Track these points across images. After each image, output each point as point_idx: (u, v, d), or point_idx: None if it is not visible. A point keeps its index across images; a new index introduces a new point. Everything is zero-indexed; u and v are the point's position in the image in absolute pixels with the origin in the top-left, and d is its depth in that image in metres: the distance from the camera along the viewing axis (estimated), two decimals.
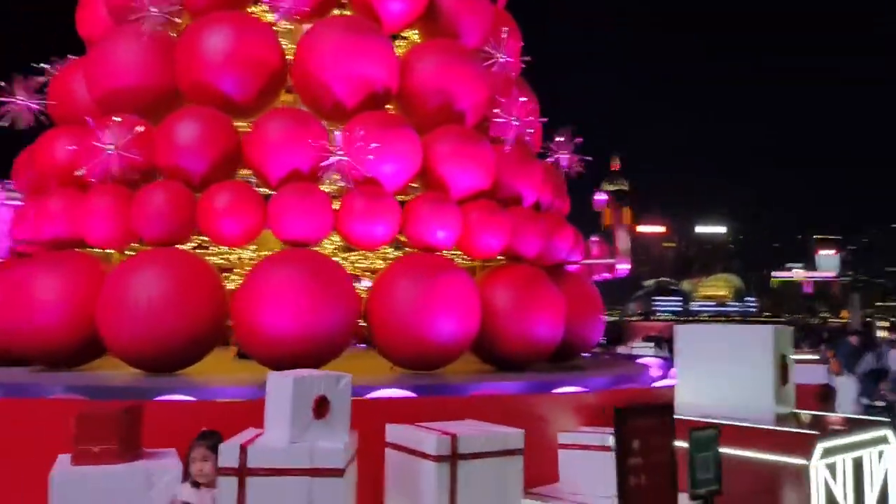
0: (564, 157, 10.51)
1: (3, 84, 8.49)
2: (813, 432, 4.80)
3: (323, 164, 7.29)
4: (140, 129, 7.47)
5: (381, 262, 9.02)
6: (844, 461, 4.92)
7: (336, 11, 9.06)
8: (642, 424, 3.88)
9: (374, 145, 7.43)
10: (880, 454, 5.31)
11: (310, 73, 8.11)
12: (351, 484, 4.13)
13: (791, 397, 5.59)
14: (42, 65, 9.44)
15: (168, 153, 7.58)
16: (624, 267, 10.42)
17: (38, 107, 8.69)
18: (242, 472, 3.80)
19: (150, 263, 7.13)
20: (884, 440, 5.42)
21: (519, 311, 8.12)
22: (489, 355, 8.46)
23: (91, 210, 7.53)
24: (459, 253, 8.62)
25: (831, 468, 4.80)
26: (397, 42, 9.92)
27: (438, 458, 4.38)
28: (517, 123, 8.69)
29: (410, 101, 8.75)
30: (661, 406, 4.05)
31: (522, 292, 8.25)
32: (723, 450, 5.13)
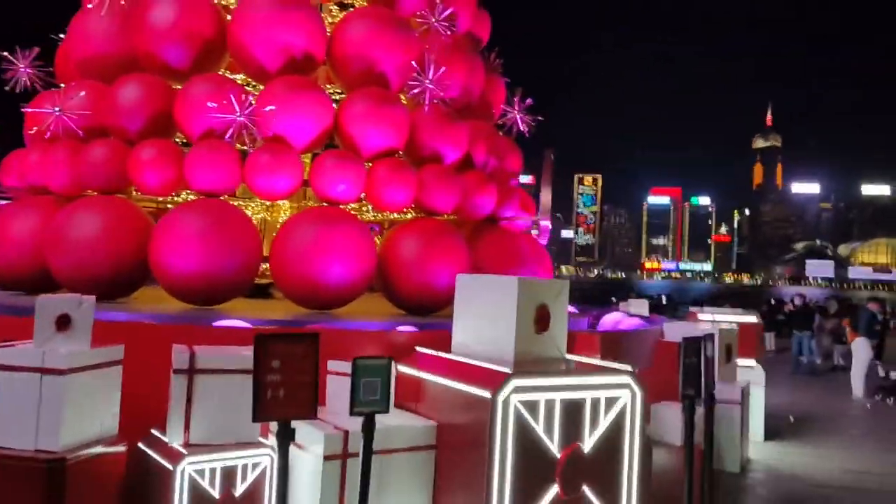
0: (516, 118, 11.02)
1: (7, 54, 10.10)
2: (506, 371, 5.34)
3: (225, 124, 8.29)
4: (81, 93, 8.82)
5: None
6: (551, 401, 5.40)
7: None
8: (283, 348, 4.65)
9: (270, 108, 8.36)
10: (611, 399, 5.71)
11: (237, 40, 9.10)
12: (95, 386, 5.22)
13: (555, 343, 6.04)
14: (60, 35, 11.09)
15: (111, 114, 8.89)
16: (545, 224, 10.75)
17: (36, 74, 10.24)
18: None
19: (81, 208, 8.52)
20: (624, 386, 5.80)
21: (417, 260, 8.84)
22: (396, 300, 9.27)
23: (50, 162, 9.02)
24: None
25: (529, 405, 5.32)
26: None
27: (178, 371, 5.41)
28: (432, 87, 9.29)
29: (336, 65, 9.59)
30: (309, 335, 4.79)
31: (421, 243, 8.96)
32: (441, 380, 5.82)
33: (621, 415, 5.74)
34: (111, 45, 9.47)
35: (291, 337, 4.74)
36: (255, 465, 5.45)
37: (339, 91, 10.35)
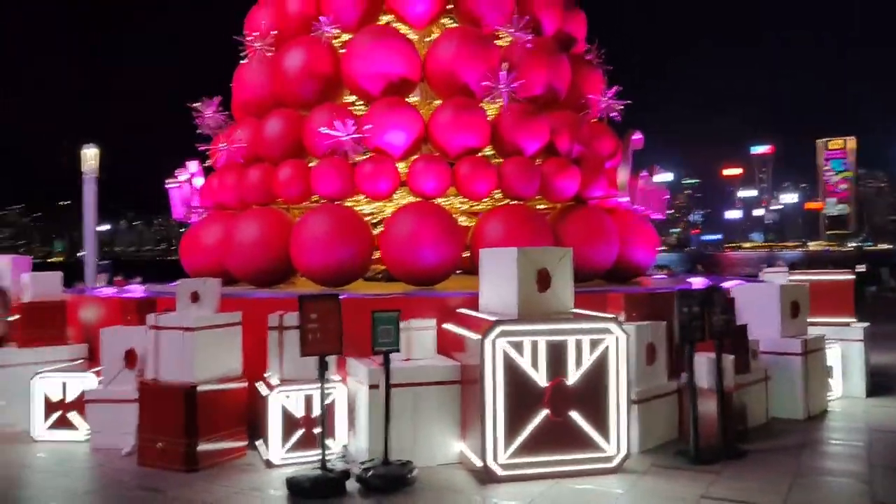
0: (601, 105, 12.17)
1: (195, 105, 13.19)
2: (495, 318, 6.80)
3: (337, 144, 10.50)
4: (239, 131, 11.56)
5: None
6: (535, 342, 6.76)
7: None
8: (317, 305, 6.54)
9: (367, 127, 10.44)
10: (594, 341, 6.90)
11: (347, 73, 11.30)
12: (218, 339, 7.54)
13: (559, 300, 7.32)
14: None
15: (261, 144, 11.51)
16: (624, 200, 11.54)
17: (219, 118, 13.22)
18: (159, 328, 7.53)
19: (242, 219, 11.20)
20: (605, 331, 6.96)
21: (499, 241, 10.36)
22: None
23: (224, 185, 11.88)
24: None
25: (516, 346, 6.74)
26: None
27: (272, 328, 7.64)
28: (506, 90, 10.81)
29: (430, 81, 11.46)
30: (333, 295, 6.62)
31: (502, 226, 10.53)
32: (462, 331, 7.41)
33: (605, 354, 6.98)
34: (261, 88, 12.15)
35: (323, 297, 6.70)
36: (328, 394, 7.47)
37: None
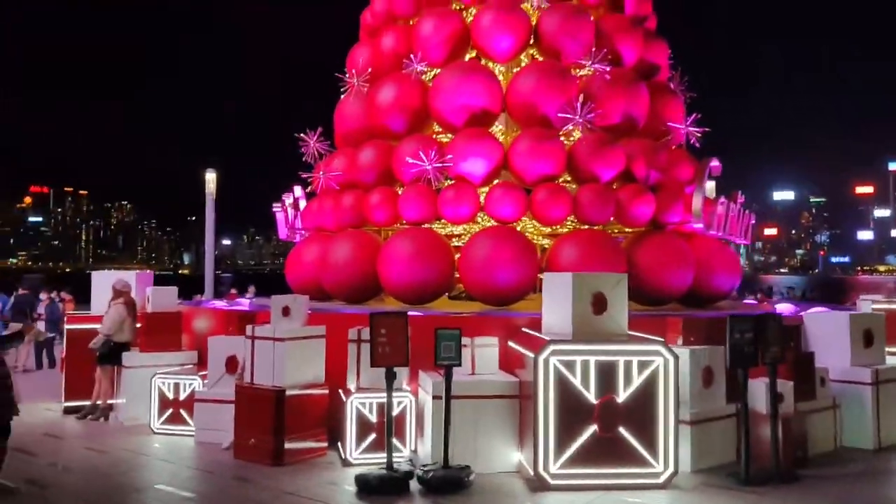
0: (680, 133, 12.47)
1: (301, 135, 14.42)
2: (549, 338, 7.33)
3: (421, 173, 11.35)
4: (335, 161, 12.64)
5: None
6: (586, 362, 7.24)
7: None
8: (386, 321, 7.30)
9: (449, 156, 11.23)
10: (643, 363, 7.29)
11: (433, 107, 12.15)
12: (304, 350, 8.45)
13: (614, 322, 7.75)
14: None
15: (355, 171, 12.54)
16: (698, 226, 11.63)
17: (321, 146, 14.40)
18: (253, 338, 8.55)
19: (336, 240, 12.22)
20: (654, 353, 7.33)
21: (571, 264, 10.89)
22: None
23: (322, 209, 12.99)
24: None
25: (568, 364, 7.24)
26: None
27: (351, 341, 8.48)
28: (582, 121, 11.34)
29: (511, 112, 12.14)
30: (401, 313, 7.35)
31: (575, 250, 11.02)
32: (521, 349, 7.99)
33: (654, 375, 7.39)
34: (357, 120, 13.22)
35: (391, 314, 7.48)
36: (399, 403, 8.23)
37: None
